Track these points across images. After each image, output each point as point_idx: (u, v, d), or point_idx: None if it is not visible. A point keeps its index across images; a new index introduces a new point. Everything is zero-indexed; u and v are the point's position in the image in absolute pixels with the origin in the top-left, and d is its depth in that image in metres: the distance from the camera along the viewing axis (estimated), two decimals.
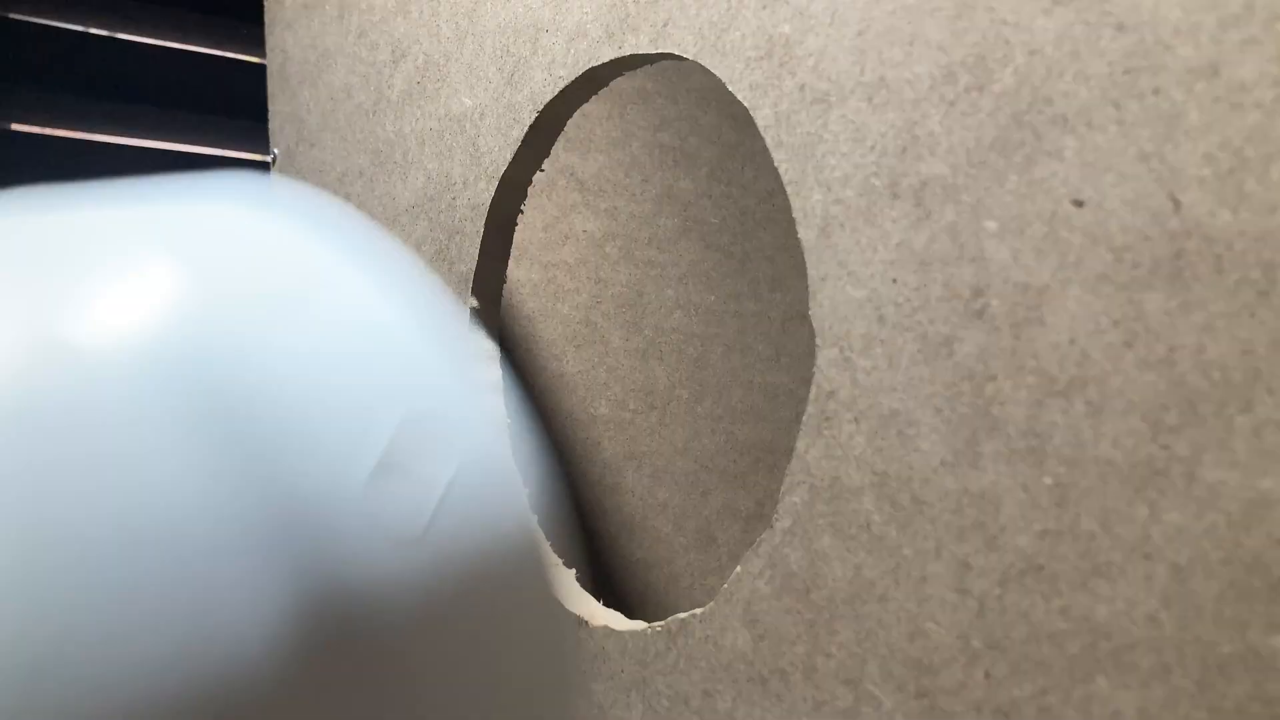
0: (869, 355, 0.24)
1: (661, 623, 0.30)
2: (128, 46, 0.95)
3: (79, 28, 0.94)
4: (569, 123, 0.37)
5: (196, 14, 0.96)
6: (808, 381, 0.27)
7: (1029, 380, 0.21)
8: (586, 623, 0.32)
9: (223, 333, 0.15)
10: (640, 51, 0.30)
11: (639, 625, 0.31)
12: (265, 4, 0.53)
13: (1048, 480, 0.21)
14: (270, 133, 0.52)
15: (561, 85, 0.34)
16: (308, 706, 0.14)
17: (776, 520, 0.26)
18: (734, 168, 0.63)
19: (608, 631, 0.31)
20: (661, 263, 0.59)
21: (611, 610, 0.33)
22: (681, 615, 0.29)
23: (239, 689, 0.14)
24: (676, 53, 0.29)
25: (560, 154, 0.56)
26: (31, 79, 0.90)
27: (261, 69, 0.53)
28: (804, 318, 0.63)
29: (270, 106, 0.52)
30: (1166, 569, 0.19)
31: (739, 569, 0.27)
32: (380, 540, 0.15)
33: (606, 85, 0.34)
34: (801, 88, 0.26)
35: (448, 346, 0.17)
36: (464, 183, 0.38)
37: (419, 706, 0.15)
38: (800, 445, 0.26)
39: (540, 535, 0.33)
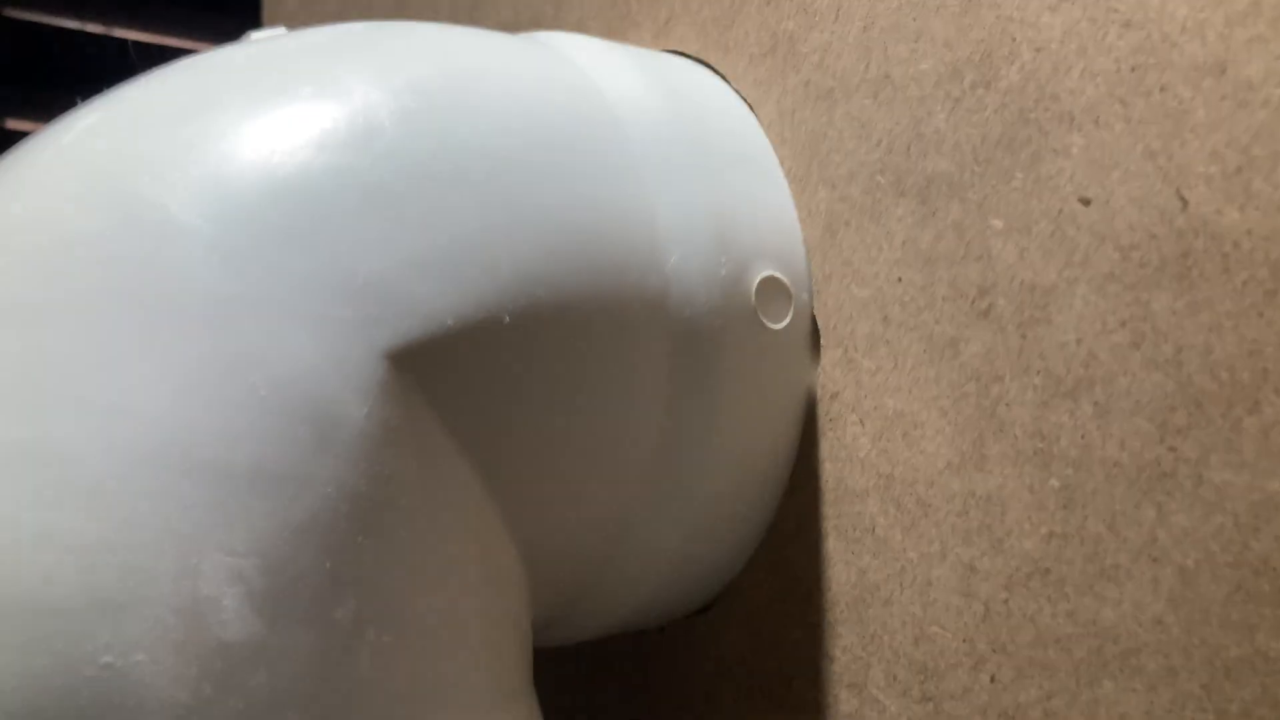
0: (873, 355, 0.24)
1: (663, 624, 0.29)
2: (124, 43, 0.95)
3: (75, 24, 0.93)
4: None
5: (194, 10, 0.95)
6: None
7: (1035, 381, 0.21)
8: None
9: None
10: (642, 47, 0.30)
11: None
12: (263, 1, 0.53)
13: (1054, 482, 0.20)
14: None
15: None
16: None
17: (780, 522, 0.26)
18: None
19: None
20: None
21: None
22: (684, 617, 0.29)
23: None
24: (679, 49, 0.29)
25: None
26: (26, 76, 0.90)
27: None
28: None
29: None
30: (1173, 572, 0.19)
31: (741, 572, 0.27)
32: None
33: None
34: (806, 84, 0.26)
35: None
36: None
37: None
38: (803, 447, 0.26)
39: None
